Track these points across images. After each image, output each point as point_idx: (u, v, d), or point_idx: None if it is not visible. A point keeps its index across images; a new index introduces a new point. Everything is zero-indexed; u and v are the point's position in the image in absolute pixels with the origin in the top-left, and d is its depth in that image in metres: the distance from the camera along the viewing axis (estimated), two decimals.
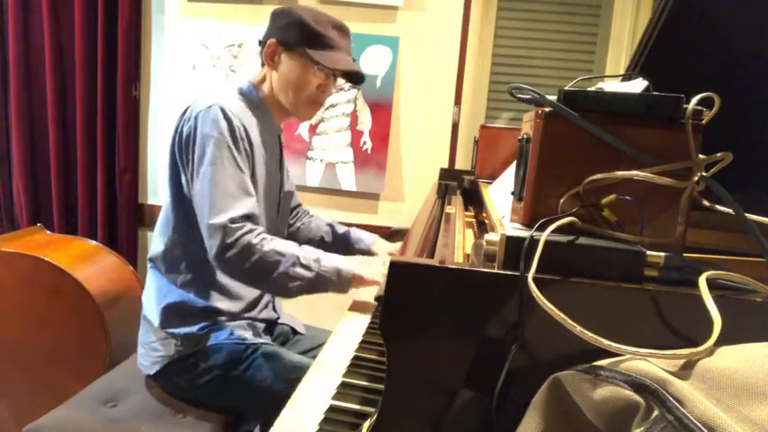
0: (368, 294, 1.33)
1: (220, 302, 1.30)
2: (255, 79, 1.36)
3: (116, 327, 1.72)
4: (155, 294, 1.31)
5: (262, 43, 1.33)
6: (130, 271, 1.94)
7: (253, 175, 1.26)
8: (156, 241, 1.32)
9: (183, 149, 1.23)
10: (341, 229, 1.66)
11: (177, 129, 1.26)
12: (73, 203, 2.44)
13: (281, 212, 1.47)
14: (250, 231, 1.16)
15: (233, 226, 1.15)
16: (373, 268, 1.23)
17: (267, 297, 1.44)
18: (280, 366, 1.24)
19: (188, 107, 1.26)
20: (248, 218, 1.18)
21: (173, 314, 1.27)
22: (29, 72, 2.38)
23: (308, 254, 1.20)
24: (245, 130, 1.24)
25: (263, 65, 1.35)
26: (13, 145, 2.43)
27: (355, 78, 1.38)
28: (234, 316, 1.32)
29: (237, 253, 1.14)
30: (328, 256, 1.23)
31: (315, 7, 1.33)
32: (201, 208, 1.19)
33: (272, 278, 1.16)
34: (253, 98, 1.34)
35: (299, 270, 1.17)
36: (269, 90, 1.35)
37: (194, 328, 1.26)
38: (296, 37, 1.28)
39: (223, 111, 1.20)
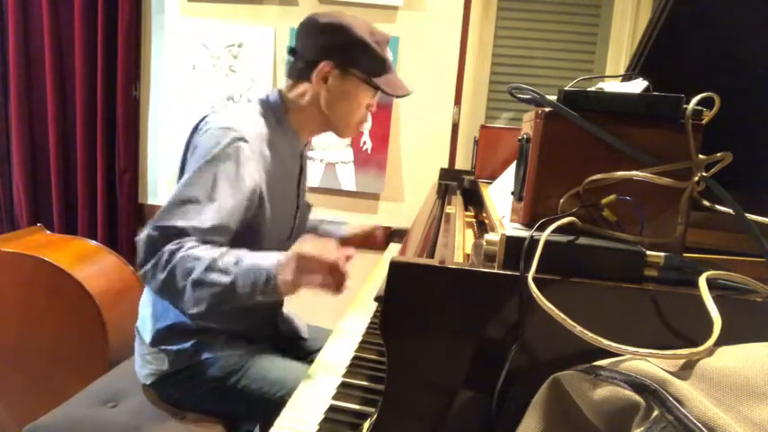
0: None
1: (216, 322, 1.24)
2: (291, 93, 1.25)
3: (116, 327, 1.72)
4: (150, 313, 1.26)
5: (309, 61, 1.20)
6: (130, 271, 1.94)
7: (259, 210, 1.16)
8: None
9: (189, 162, 1.16)
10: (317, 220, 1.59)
11: (190, 141, 1.18)
12: (73, 203, 2.44)
13: (294, 235, 1.36)
14: (180, 242, 1.00)
15: (164, 235, 1.00)
16: (294, 274, 0.96)
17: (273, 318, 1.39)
18: (275, 374, 1.22)
19: (204, 118, 1.18)
20: (186, 233, 1.01)
21: (166, 335, 1.23)
22: (29, 72, 2.39)
23: (230, 257, 0.99)
24: (258, 155, 1.14)
25: (296, 76, 1.24)
26: (13, 145, 2.43)
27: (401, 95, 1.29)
28: (231, 332, 1.27)
29: (155, 262, 0.99)
30: (255, 254, 1.01)
31: (365, 20, 1.24)
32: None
33: (186, 288, 0.97)
34: (277, 113, 1.24)
35: (215, 276, 0.96)
36: (306, 106, 1.24)
37: (187, 345, 1.23)
38: (356, 60, 1.19)
39: (236, 137, 1.09)
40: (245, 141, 1.11)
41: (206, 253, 0.99)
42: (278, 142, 1.23)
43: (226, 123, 1.12)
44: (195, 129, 1.19)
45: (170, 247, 0.99)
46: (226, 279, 0.97)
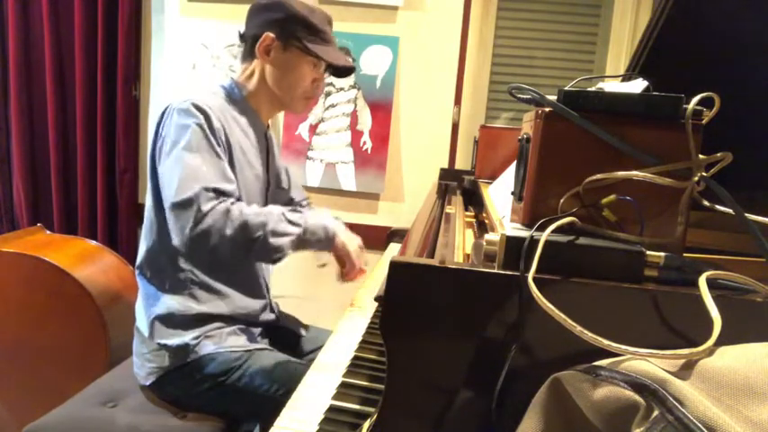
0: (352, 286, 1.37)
1: (209, 304, 1.26)
2: (241, 76, 1.34)
3: (116, 327, 1.72)
4: (143, 305, 1.29)
5: (252, 37, 1.30)
6: (130, 271, 1.93)
7: (231, 169, 1.23)
8: (142, 247, 1.30)
9: (159, 150, 1.21)
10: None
11: (157, 128, 1.24)
12: (73, 203, 2.44)
13: None
14: (225, 200, 1.13)
15: (207, 194, 1.10)
16: (348, 241, 1.26)
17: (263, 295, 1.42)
18: (275, 372, 1.22)
19: (167, 106, 1.24)
20: (223, 192, 1.13)
21: (162, 325, 1.25)
22: (29, 72, 2.39)
23: (291, 211, 1.21)
24: (223, 125, 1.22)
25: (246, 59, 1.33)
26: (13, 145, 2.43)
27: (345, 73, 1.38)
28: (226, 319, 1.28)
29: (217, 220, 1.09)
30: (310, 213, 1.26)
31: (305, 1, 1.33)
32: (168, 189, 1.13)
33: (261, 239, 1.12)
34: (235, 96, 1.32)
35: (288, 227, 1.16)
36: (256, 85, 1.32)
37: (186, 339, 1.23)
38: (295, 31, 1.26)
39: (198, 105, 1.18)
40: (209, 108, 1.19)
41: (267, 209, 1.18)
42: (240, 118, 1.30)
43: (185, 100, 1.21)
44: (161, 116, 1.24)
45: (228, 205, 1.11)
46: (298, 230, 1.18)
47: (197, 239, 1.10)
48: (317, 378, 0.95)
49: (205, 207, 1.09)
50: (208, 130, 1.17)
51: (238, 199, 1.19)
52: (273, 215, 1.16)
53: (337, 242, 1.24)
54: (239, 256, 1.20)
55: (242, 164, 1.28)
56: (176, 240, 1.13)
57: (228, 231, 1.10)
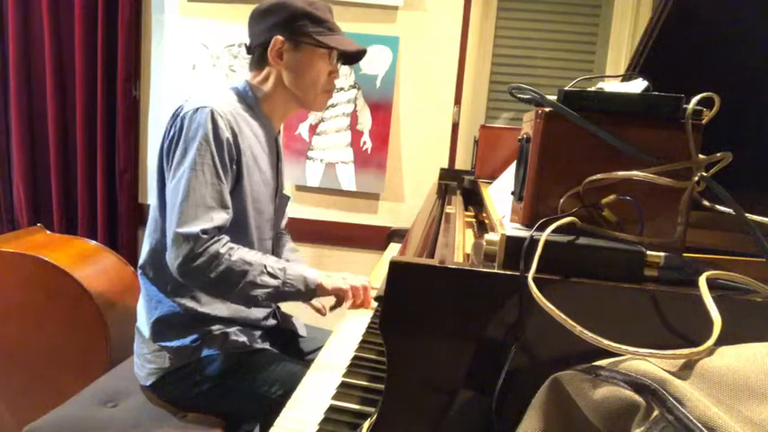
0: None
1: (210, 306, 1.26)
2: (255, 80, 1.32)
3: (116, 327, 1.72)
4: (145, 306, 1.28)
5: (261, 44, 1.29)
6: (130, 271, 1.94)
7: (239, 181, 1.23)
8: (145, 246, 1.29)
9: (166, 151, 1.21)
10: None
11: (167, 129, 1.23)
12: (73, 203, 2.44)
13: (278, 215, 1.44)
14: (218, 241, 1.16)
15: (204, 237, 1.14)
16: (333, 280, 1.26)
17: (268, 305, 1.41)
18: (275, 373, 1.23)
19: (180, 106, 1.23)
20: (219, 229, 1.17)
21: (164, 327, 1.25)
22: (29, 72, 2.39)
23: (274, 263, 1.22)
24: (235, 134, 1.21)
25: (258, 66, 1.32)
26: (13, 145, 2.43)
27: (357, 58, 1.38)
28: (226, 321, 1.28)
29: (205, 262, 1.14)
30: (293, 265, 1.26)
31: None
32: (171, 212, 1.16)
33: (239, 287, 1.16)
34: (249, 99, 1.31)
35: (267, 279, 1.18)
36: (272, 89, 1.31)
37: (186, 341, 1.23)
38: (302, 27, 1.26)
39: (212, 114, 1.17)
40: (220, 116, 1.18)
41: (253, 257, 1.19)
42: (252, 123, 1.29)
43: (199, 104, 1.19)
44: (172, 120, 1.23)
45: (218, 249, 1.15)
46: (276, 282, 1.20)
47: (183, 273, 1.15)
48: (317, 378, 0.95)
49: (198, 249, 1.13)
50: (214, 147, 1.16)
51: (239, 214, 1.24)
52: (256, 266, 1.18)
53: (325, 290, 1.24)
54: (219, 297, 1.26)
55: (252, 169, 1.27)
56: (169, 261, 1.16)
57: (212, 275, 1.15)
